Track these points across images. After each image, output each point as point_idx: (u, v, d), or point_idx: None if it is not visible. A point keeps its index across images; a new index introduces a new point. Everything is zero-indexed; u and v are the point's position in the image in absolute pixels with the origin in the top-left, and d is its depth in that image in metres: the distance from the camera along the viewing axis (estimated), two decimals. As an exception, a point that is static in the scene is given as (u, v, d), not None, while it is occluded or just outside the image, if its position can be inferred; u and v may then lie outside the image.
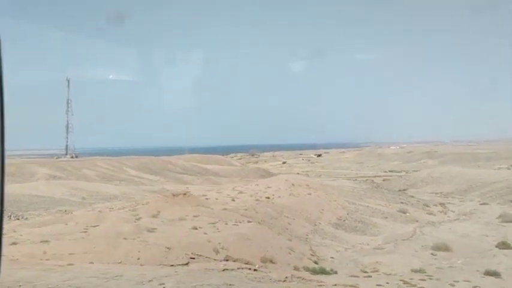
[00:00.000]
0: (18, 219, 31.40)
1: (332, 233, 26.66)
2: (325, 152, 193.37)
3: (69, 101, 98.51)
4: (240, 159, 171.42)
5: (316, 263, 20.62)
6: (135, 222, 22.33)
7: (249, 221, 23.56)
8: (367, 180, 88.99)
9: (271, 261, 18.54)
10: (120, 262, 15.79)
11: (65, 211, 37.49)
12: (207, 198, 29.03)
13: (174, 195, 25.97)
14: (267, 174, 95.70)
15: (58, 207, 39.80)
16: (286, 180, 39.13)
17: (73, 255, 16.20)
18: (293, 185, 37.89)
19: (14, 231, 20.93)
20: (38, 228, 22.13)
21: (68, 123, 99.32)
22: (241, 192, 34.00)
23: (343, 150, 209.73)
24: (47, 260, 15.82)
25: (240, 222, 23.10)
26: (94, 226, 21.92)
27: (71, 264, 15.05)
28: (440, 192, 60.00)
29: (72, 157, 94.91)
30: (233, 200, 29.72)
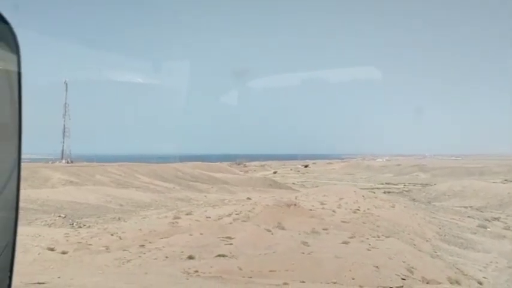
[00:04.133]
0: (80, 227, 28.81)
1: (450, 249, 25.32)
2: (312, 163, 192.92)
3: (67, 105, 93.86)
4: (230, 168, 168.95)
5: (480, 283, 19.19)
6: (272, 234, 20.33)
7: (386, 236, 21.91)
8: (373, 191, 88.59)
9: (457, 282, 16.98)
10: (336, 282, 13.88)
11: (119, 219, 34.90)
12: (311, 210, 27.22)
13: (288, 205, 24.09)
14: (274, 183, 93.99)
15: (106, 215, 37.08)
16: (354, 191, 37.68)
17: (274, 273, 14.16)
18: (363, 196, 36.46)
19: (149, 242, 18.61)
20: (166, 239, 19.82)
21: (64, 128, 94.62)
22: (323, 203, 32.32)
23: (329, 161, 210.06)
24: (250, 278, 13.75)
25: (379, 237, 21.44)
26: (228, 237, 19.81)
27: (286, 284, 13.11)
28: (470, 206, 59.72)
29: (67, 162, 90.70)
30: (334, 212, 28.03)
